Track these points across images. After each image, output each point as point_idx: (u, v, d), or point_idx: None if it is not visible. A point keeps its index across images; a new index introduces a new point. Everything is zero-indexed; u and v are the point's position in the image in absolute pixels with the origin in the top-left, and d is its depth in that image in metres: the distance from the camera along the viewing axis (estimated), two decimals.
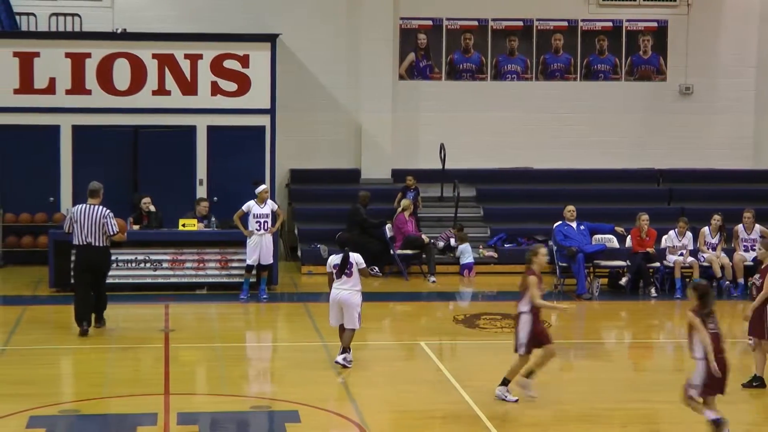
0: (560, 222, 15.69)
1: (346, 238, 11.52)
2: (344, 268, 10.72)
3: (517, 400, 9.44)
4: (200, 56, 17.34)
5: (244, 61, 17.41)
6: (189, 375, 10.83)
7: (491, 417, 9.13)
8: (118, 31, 17.81)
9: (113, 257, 13.32)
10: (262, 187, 14.71)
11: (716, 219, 15.64)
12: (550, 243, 16.20)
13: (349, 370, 10.75)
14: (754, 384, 9.99)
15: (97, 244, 12.29)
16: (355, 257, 10.79)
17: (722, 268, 15.48)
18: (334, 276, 10.79)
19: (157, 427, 8.86)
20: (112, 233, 12.30)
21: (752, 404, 9.85)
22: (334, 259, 10.84)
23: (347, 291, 10.74)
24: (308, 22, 18.73)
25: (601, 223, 15.80)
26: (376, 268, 16.78)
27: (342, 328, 10.84)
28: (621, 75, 19.73)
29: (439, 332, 13.08)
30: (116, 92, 17.19)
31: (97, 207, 12.32)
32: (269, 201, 14.87)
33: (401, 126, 19.08)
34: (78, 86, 17.14)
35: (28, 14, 18.11)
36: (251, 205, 14.52)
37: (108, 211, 12.36)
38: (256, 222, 14.49)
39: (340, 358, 10.69)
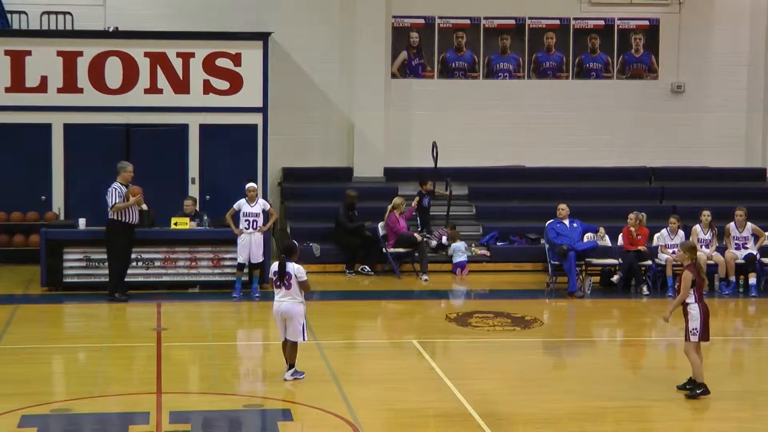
0: (552, 220, 15.71)
1: (287, 246, 10.40)
2: (282, 278, 10.07)
3: None
4: (192, 54, 17.32)
5: (237, 59, 17.38)
6: (181, 374, 10.81)
7: (484, 415, 9.14)
8: (110, 29, 17.77)
9: None
10: (249, 185, 14.72)
11: (706, 215, 15.69)
12: (542, 241, 16.25)
13: (343, 369, 10.76)
14: (687, 386, 9.95)
15: (108, 216, 13.95)
16: (294, 268, 10.06)
17: (715, 265, 15.52)
18: (274, 284, 10.18)
19: (149, 425, 8.85)
20: (110, 204, 13.85)
21: (744, 402, 9.88)
22: (275, 266, 10.24)
23: (287, 302, 10.07)
24: (301, 20, 18.72)
25: (589, 224, 15.82)
26: (367, 267, 16.76)
27: (286, 343, 10.23)
28: (613, 73, 19.76)
29: (431, 330, 13.09)
30: (108, 91, 17.15)
31: (112, 183, 14.00)
32: (261, 200, 14.88)
33: (394, 124, 19.09)
34: (70, 85, 17.09)
35: (19, 12, 18.05)
36: (242, 204, 14.56)
37: (112, 186, 13.92)
38: (246, 220, 14.52)
39: (288, 375, 10.13)
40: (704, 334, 9.87)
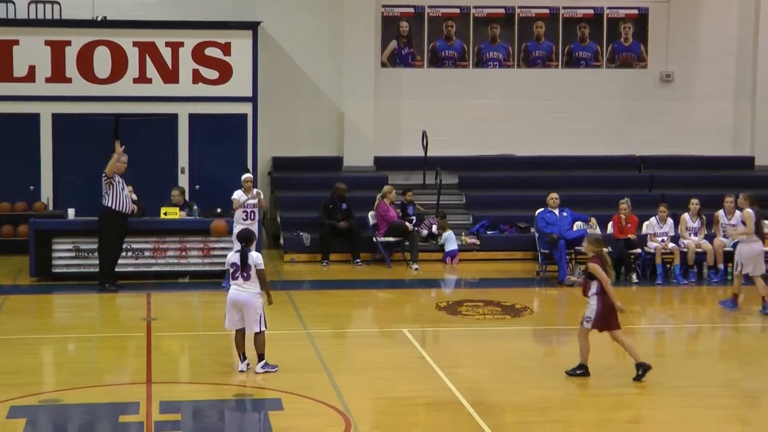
0: (542, 209, 15.74)
1: (246, 235, 10.22)
2: (243, 268, 9.88)
3: None
4: (181, 44, 17.27)
5: (226, 48, 17.34)
6: (171, 364, 10.82)
7: (474, 403, 9.17)
8: (99, 18, 17.70)
9: None
10: (244, 176, 14.61)
11: (694, 203, 15.75)
12: (532, 229, 16.28)
13: (333, 358, 10.77)
14: (578, 372, 10.02)
15: (102, 204, 14.00)
16: (254, 257, 9.92)
17: (704, 253, 15.59)
18: (231, 275, 9.98)
19: (139, 416, 8.85)
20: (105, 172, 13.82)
21: (732, 389, 9.92)
22: (233, 257, 10.05)
23: (245, 293, 9.90)
24: (290, 9, 18.67)
25: (579, 213, 15.89)
26: (360, 260, 16.70)
27: (239, 333, 10.05)
28: (602, 62, 19.78)
29: (421, 319, 13.11)
30: (97, 80, 17.10)
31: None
32: (255, 189, 14.69)
33: (383, 113, 19.07)
34: (58, 74, 17.03)
35: (6, 1, 17.94)
36: (240, 195, 14.35)
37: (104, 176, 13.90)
38: (244, 212, 14.35)
39: (258, 368, 9.95)
40: (600, 324, 9.96)
